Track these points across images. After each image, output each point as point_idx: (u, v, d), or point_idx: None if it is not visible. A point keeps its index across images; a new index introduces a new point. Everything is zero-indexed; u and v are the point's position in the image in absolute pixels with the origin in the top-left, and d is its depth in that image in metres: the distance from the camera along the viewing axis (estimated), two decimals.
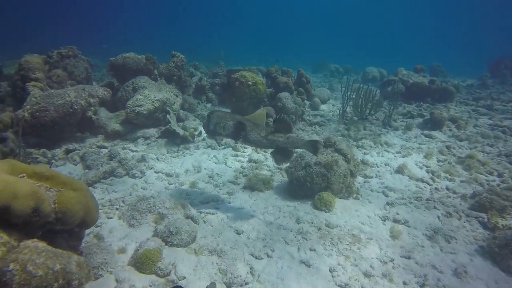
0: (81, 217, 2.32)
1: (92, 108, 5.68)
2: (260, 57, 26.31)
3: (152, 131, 6.23)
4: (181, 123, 6.71)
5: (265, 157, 5.79)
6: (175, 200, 4.11)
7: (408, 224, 3.82)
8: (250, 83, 6.89)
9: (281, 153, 3.43)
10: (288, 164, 4.62)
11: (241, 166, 5.44)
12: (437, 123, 7.25)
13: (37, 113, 5.01)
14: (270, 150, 4.03)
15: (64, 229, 2.38)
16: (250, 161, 5.60)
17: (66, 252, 2.13)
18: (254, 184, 4.61)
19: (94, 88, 5.52)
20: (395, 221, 3.86)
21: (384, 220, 3.93)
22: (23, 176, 2.31)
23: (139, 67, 7.02)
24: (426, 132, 7.03)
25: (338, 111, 8.70)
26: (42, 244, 2.11)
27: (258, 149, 6.03)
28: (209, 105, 8.43)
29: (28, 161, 4.84)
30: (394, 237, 3.53)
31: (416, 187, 4.86)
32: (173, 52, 7.61)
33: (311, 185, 4.22)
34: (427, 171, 5.36)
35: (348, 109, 8.35)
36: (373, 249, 3.41)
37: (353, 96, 8.02)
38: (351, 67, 18.30)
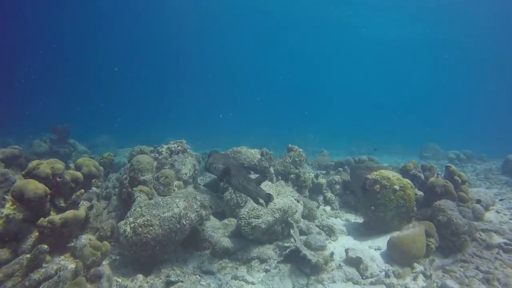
0: None
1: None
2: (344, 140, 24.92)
3: (270, 251, 4.70)
4: (303, 237, 5.10)
5: None
6: None
7: None
8: (396, 187, 5.12)
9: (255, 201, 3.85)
10: None
11: None
12: None
13: (140, 229, 3.92)
14: None
15: None
16: None
17: None
18: None
19: (207, 196, 4.37)
20: None
21: None
22: None
23: (252, 163, 5.92)
24: None
25: None
26: None
27: None
28: (328, 208, 6.77)
29: None
30: None
31: None
32: (290, 145, 6.46)
33: None
34: None
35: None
36: None
37: None
38: (472, 152, 15.27)
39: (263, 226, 4.60)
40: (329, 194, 6.95)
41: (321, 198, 6.93)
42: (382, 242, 5.11)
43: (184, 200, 4.17)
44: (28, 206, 3.75)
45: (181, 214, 3.96)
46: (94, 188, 5.75)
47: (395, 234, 4.81)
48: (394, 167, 8.21)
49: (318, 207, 6.48)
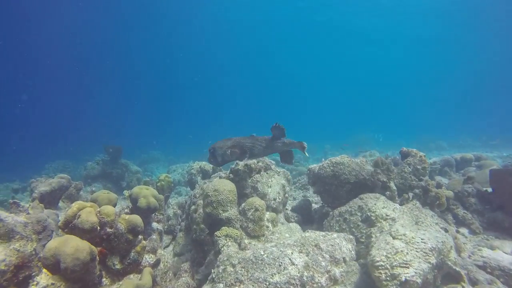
0: None
1: None
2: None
3: None
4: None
5: None
6: None
7: None
8: None
9: (285, 155, 3.64)
10: None
11: None
12: None
13: None
14: None
15: None
16: None
17: None
18: None
19: (334, 239, 2.76)
20: None
21: None
22: None
23: (360, 177, 4.25)
24: None
25: None
26: None
27: None
28: (464, 231, 4.85)
29: None
30: None
31: None
32: (406, 148, 4.68)
33: None
34: None
35: None
36: None
37: None
38: None
39: (419, 281, 2.89)
40: (461, 212, 5.03)
41: (449, 216, 5.02)
42: None
43: (301, 251, 2.60)
44: (69, 278, 2.44)
45: (304, 278, 2.39)
46: (155, 225, 4.43)
47: None
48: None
49: (457, 231, 4.60)
